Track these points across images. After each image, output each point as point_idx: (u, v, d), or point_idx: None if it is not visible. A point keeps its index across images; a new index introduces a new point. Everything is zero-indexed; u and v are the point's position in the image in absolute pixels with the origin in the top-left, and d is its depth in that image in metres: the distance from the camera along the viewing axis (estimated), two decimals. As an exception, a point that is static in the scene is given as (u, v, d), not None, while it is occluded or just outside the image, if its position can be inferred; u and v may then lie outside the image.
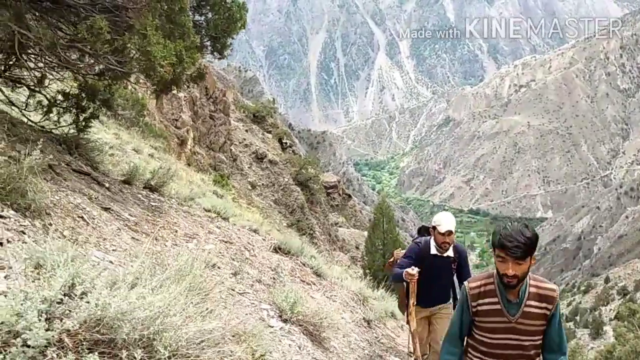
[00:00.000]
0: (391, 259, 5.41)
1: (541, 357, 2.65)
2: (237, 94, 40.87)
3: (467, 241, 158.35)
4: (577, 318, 56.45)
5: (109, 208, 4.28)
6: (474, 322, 2.64)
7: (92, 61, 4.63)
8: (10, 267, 2.27)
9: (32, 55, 4.62)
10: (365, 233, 22.54)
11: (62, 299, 1.93)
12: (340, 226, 31.10)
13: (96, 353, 1.83)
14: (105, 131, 10.57)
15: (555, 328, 2.58)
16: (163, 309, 2.11)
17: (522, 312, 2.52)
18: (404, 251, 5.02)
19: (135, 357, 1.89)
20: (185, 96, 20.59)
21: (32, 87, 4.96)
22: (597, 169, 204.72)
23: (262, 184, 24.86)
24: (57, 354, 1.77)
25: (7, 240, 2.61)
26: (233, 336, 3.01)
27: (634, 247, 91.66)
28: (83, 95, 5.16)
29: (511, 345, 2.57)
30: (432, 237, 4.61)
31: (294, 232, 17.55)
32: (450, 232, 4.46)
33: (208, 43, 6.89)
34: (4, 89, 4.93)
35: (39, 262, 2.23)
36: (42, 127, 5.18)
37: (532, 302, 2.52)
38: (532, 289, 2.54)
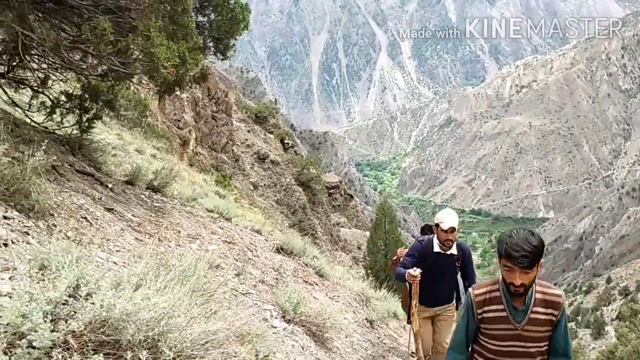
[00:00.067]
0: (394, 258, 5.40)
1: None
2: (239, 94, 40.89)
3: (469, 241, 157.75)
4: (579, 318, 56.23)
5: (112, 209, 4.29)
6: (480, 328, 2.62)
7: (95, 62, 4.64)
8: (15, 268, 2.27)
9: (36, 56, 4.63)
10: (367, 233, 22.49)
11: (67, 300, 1.93)
12: (342, 226, 31.07)
13: (101, 354, 1.83)
14: (108, 132, 10.58)
15: (562, 333, 2.56)
16: (168, 310, 2.11)
17: (529, 319, 2.49)
18: (407, 250, 5.00)
19: (140, 358, 1.89)
20: (187, 97, 20.60)
21: (36, 88, 4.97)
22: (599, 170, 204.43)
23: (264, 185, 24.87)
24: (62, 355, 1.78)
25: (12, 241, 2.61)
26: (237, 337, 3.01)
27: (635, 248, 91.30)
28: (86, 96, 5.17)
29: (517, 352, 2.55)
30: (435, 235, 4.58)
31: (296, 232, 17.57)
32: (453, 229, 4.42)
33: (211, 44, 6.90)
34: (7, 89, 4.94)
35: (43, 263, 2.23)
36: (46, 127, 5.18)
37: (539, 309, 2.49)
38: (539, 295, 2.51)
